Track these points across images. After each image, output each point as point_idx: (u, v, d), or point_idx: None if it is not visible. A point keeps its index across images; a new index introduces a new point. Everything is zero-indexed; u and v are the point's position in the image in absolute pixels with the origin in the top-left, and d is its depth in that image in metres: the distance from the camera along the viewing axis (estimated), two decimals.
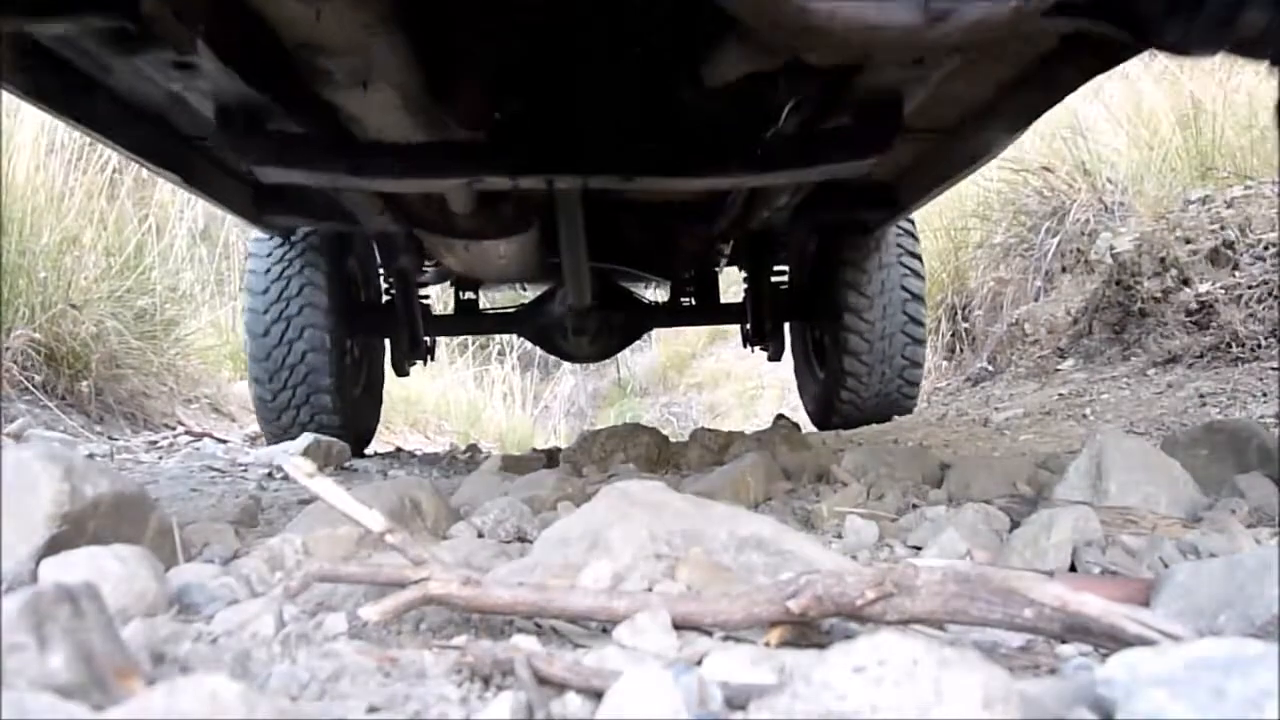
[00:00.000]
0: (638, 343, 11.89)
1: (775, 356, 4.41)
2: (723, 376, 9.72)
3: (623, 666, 0.73)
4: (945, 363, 5.90)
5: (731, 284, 5.32)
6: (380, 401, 4.59)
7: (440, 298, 5.21)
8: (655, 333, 11.53)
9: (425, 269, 4.06)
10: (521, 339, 10.36)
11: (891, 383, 3.91)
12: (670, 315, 4.73)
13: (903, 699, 0.52)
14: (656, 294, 5.05)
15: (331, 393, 3.64)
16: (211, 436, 4.55)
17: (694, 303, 4.55)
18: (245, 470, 3.14)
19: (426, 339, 4.20)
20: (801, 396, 4.81)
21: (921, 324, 3.93)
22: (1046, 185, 5.47)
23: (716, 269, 4.46)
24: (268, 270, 3.63)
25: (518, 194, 2.58)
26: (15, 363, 4.27)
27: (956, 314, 5.86)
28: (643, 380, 11.11)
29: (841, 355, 3.88)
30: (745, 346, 4.54)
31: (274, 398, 3.65)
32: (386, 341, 4.29)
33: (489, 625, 0.90)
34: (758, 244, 4.00)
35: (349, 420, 3.81)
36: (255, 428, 4.82)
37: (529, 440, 7.82)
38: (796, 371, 4.82)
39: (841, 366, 3.88)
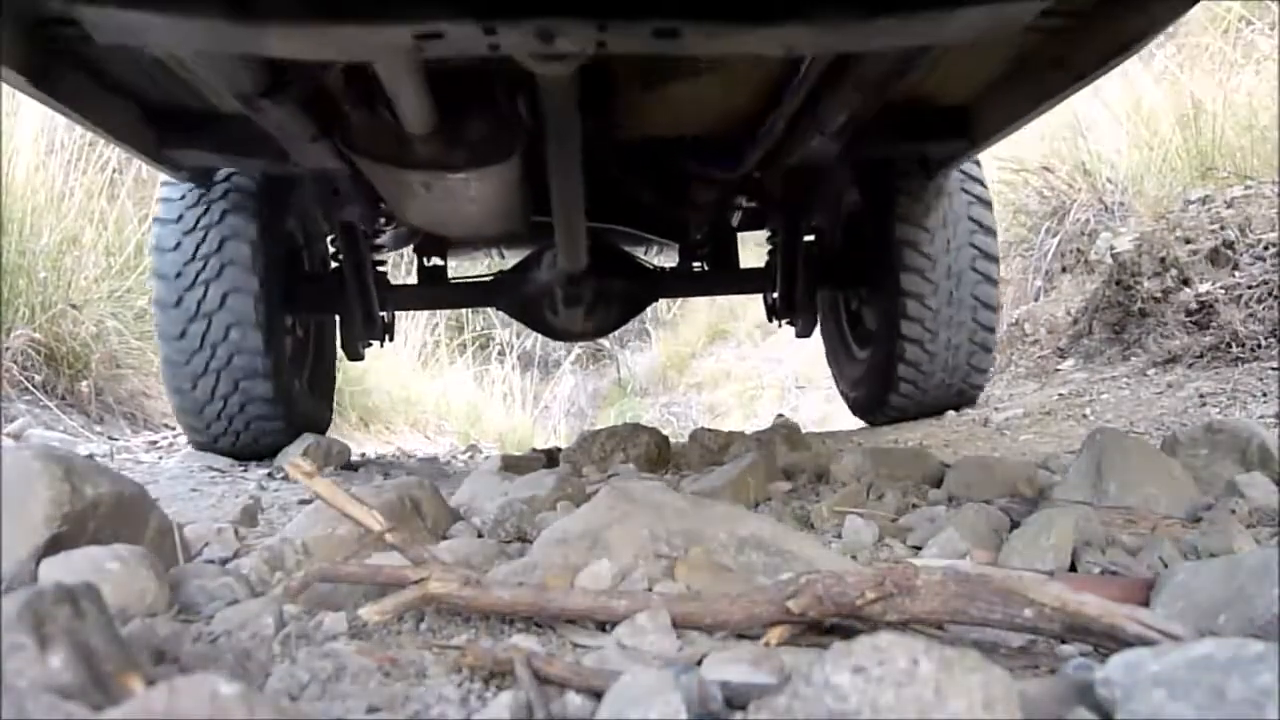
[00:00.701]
0: (637, 342, 11.75)
1: (805, 332, 3.71)
2: (723, 376, 9.73)
3: (623, 666, 0.73)
4: None
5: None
6: (332, 392, 3.90)
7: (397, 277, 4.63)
8: (655, 332, 11.53)
9: (380, 229, 3.43)
10: (517, 333, 10.27)
11: (960, 361, 3.21)
12: (680, 283, 3.97)
13: (903, 699, 0.52)
14: (661, 259, 4.34)
15: (267, 379, 2.94)
16: None
17: (707, 268, 3.87)
18: (245, 470, 3.14)
19: (384, 314, 3.56)
20: (838, 382, 4.05)
21: (994, 289, 3.20)
22: (1046, 185, 5.47)
23: (733, 228, 3.76)
24: (179, 218, 2.88)
25: (487, 100, 2.03)
26: (15, 363, 4.27)
27: None
28: (643, 380, 11.11)
29: (897, 330, 3.16)
30: (771, 320, 3.82)
31: (194, 385, 2.92)
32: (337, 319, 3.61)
33: (489, 625, 0.90)
34: (793, 190, 3.25)
35: (293, 414, 3.12)
36: None
37: (529, 440, 7.82)
38: (829, 351, 4.09)
39: (897, 344, 3.17)
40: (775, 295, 3.65)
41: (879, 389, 3.39)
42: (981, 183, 3.24)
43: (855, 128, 2.29)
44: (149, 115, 2.42)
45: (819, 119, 2.13)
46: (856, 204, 3.43)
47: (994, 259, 3.19)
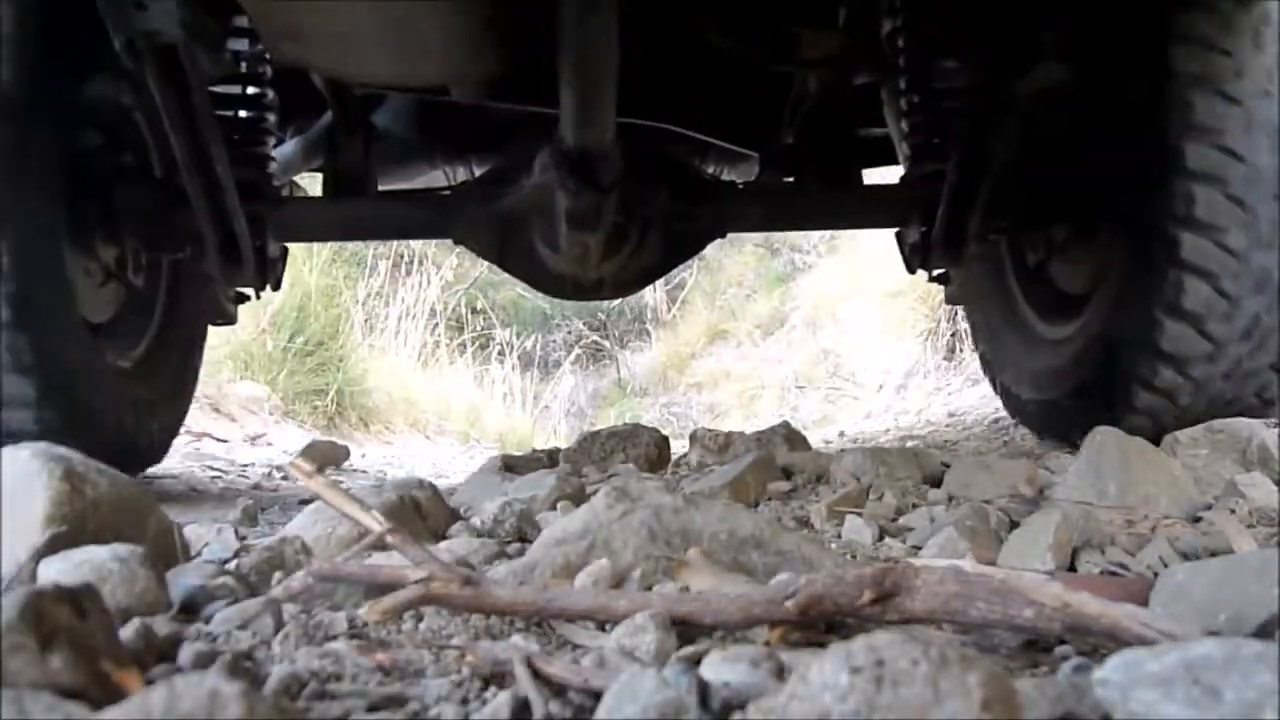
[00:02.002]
0: (637, 342, 11.68)
1: (962, 294, 2.52)
2: (723, 376, 9.73)
3: (622, 666, 0.73)
4: (945, 363, 5.90)
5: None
6: (189, 376, 2.53)
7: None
8: (655, 332, 11.51)
9: (262, 101, 2.18)
10: (517, 333, 10.23)
11: (1269, 328, 1.83)
12: (765, 207, 2.37)
13: (901, 699, 0.52)
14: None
15: (14, 353, 1.70)
16: (211, 436, 4.55)
17: (802, 183, 2.44)
18: (245, 470, 3.14)
19: (268, 247, 2.24)
20: (998, 379, 2.65)
21: None
22: None
23: (850, 123, 2.42)
24: None
25: None
26: None
27: (956, 314, 5.86)
28: (643, 380, 11.11)
29: (1166, 293, 1.82)
30: (912, 271, 2.41)
31: None
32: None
33: (489, 625, 0.91)
34: (996, 26, 1.91)
35: (87, 412, 1.87)
36: (256, 428, 4.82)
37: (529, 440, 7.82)
38: (984, 330, 2.71)
39: (1163, 295, 1.82)
40: (923, 230, 2.28)
41: (1100, 389, 2.03)
42: None
43: None
44: None
45: None
46: (1058, 82, 2.10)
47: None
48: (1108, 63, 1.99)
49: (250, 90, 2.21)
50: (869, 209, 2.47)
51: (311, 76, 2.25)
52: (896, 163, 2.51)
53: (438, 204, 2.38)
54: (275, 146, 2.34)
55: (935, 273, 2.48)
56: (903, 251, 2.41)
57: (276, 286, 2.38)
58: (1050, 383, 2.29)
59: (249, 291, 2.39)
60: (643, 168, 2.08)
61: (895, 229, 2.43)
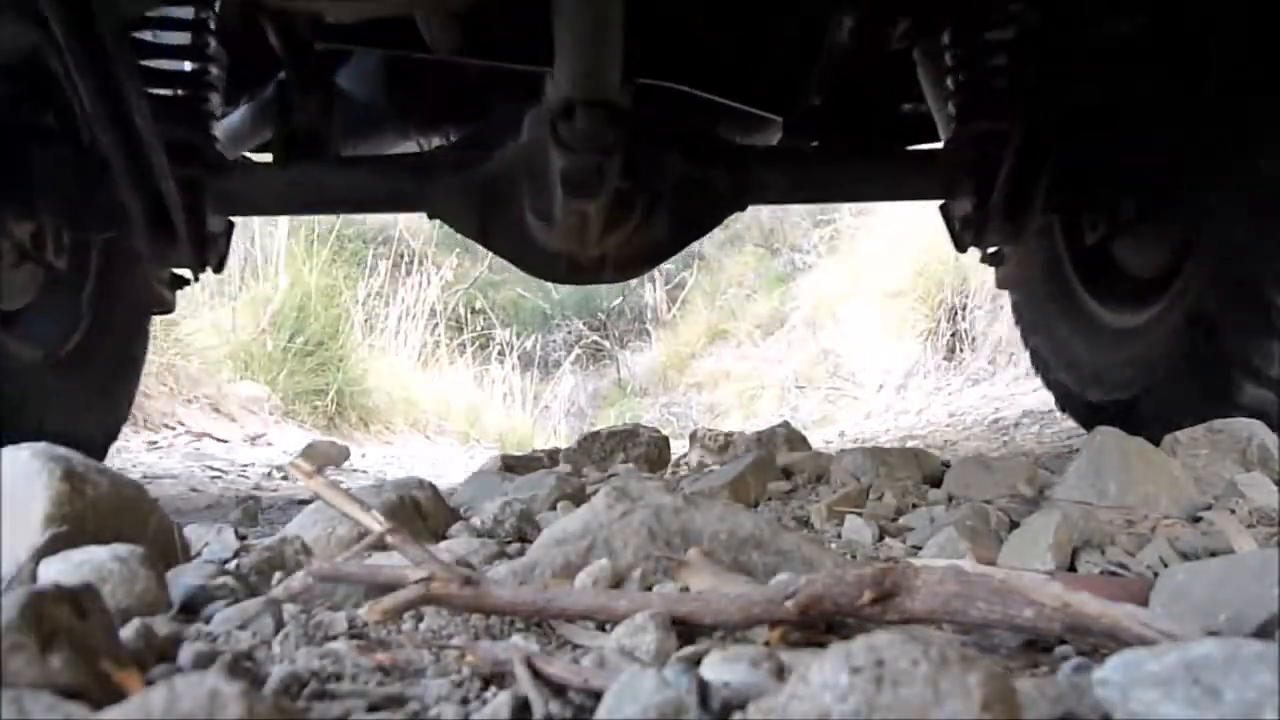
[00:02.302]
0: (637, 342, 11.69)
1: (1016, 276, 2.25)
2: (723, 376, 9.73)
3: (622, 666, 0.73)
4: (945, 363, 5.90)
5: None
6: (129, 371, 2.31)
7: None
8: (655, 332, 11.50)
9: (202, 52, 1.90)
10: (517, 333, 10.24)
11: None
12: (793, 174, 2.10)
13: (901, 699, 0.52)
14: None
15: None
16: (211, 436, 4.55)
17: (829, 145, 2.14)
18: (245, 470, 3.14)
19: (209, 222, 1.98)
20: (1049, 373, 2.42)
21: None
22: None
23: (890, 80, 2.13)
24: None
25: None
26: None
27: (956, 314, 5.86)
28: (643, 380, 11.11)
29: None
30: (962, 249, 2.17)
31: None
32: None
33: (489, 625, 0.91)
34: None
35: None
36: (256, 428, 4.82)
37: (529, 440, 7.82)
38: (1033, 318, 2.44)
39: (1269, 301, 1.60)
40: (974, 203, 2.01)
41: (1184, 383, 1.80)
42: None
43: None
44: None
45: None
46: (1138, 31, 1.85)
47: None
48: (1193, 11, 1.69)
49: (189, 39, 1.95)
50: (910, 177, 2.14)
51: (262, 24, 1.93)
52: (929, 139, 2.27)
53: (409, 170, 2.03)
54: (224, 112, 2.06)
55: (988, 251, 2.19)
56: (950, 227, 2.13)
57: (219, 268, 2.09)
58: (1126, 379, 1.99)
59: (188, 274, 2.10)
60: (652, 127, 1.82)
61: (940, 200, 2.15)
